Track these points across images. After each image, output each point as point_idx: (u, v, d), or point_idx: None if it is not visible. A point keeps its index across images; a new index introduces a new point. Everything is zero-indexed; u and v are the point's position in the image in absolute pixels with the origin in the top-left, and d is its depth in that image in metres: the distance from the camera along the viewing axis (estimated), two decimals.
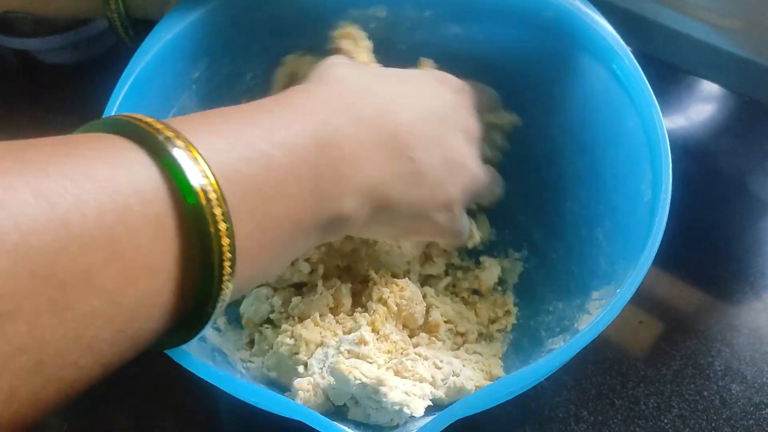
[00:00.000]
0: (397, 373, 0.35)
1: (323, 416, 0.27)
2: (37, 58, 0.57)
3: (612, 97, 0.38)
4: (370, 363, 0.35)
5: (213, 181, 0.22)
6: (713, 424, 0.41)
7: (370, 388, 0.33)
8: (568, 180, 0.43)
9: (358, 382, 0.33)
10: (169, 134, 0.22)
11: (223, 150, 0.24)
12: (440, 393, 0.36)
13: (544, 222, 0.45)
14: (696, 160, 0.53)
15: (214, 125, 0.25)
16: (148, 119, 0.23)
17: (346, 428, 0.27)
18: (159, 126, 0.23)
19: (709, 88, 0.58)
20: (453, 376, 0.36)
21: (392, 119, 0.32)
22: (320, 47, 0.43)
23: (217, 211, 0.22)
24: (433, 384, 0.35)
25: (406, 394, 0.33)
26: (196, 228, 0.22)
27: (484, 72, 0.43)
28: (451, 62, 0.43)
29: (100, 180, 0.20)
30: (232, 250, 0.23)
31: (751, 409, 0.41)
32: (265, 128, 0.26)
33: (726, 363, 0.43)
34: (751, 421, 0.41)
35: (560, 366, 0.31)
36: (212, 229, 0.22)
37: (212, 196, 0.22)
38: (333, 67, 0.34)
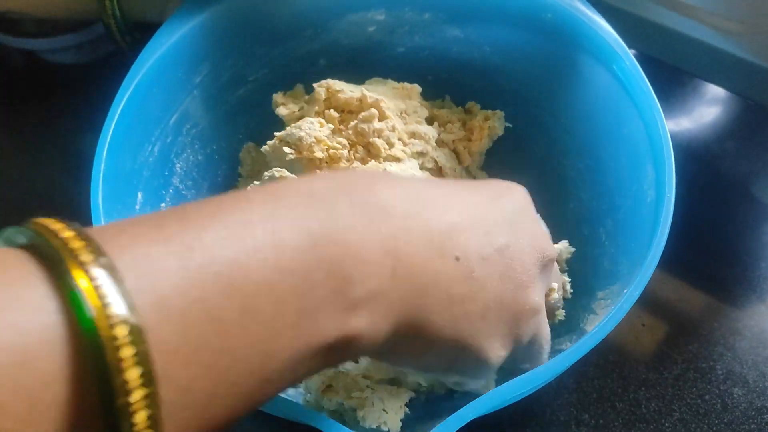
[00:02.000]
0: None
1: (330, 419, 0.27)
2: (41, 58, 0.58)
3: (613, 98, 0.38)
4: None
5: (128, 314, 0.16)
6: (714, 428, 0.41)
7: (348, 407, 0.33)
8: (570, 181, 0.43)
9: (333, 406, 0.33)
10: (85, 256, 0.17)
11: (160, 268, 0.18)
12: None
13: (546, 222, 0.45)
14: (700, 163, 0.53)
15: (154, 234, 0.19)
16: (67, 233, 0.18)
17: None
18: (76, 244, 0.17)
19: (714, 91, 0.57)
20: None
21: (430, 213, 0.24)
22: (320, 51, 0.44)
23: (127, 353, 0.16)
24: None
25: (384, 411, 0.33)
26: (98, 376, 0.16)
27: (483, 75, 0.44)
28: (451, 65, 0.43)
29: None
30: (153, 405, 0.17)
31: (753, 413, 0.41)
32: (229, 230, 0.20)
33: (728, 367, 0.43)
34: (752, 426, 0.41)
35: (569, 366, 0.30)
36: (117, 380, 0.16)
37: (121, 332, 0.16)
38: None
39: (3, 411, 0.15)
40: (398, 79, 0.41)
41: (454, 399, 0.38)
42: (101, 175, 0.33)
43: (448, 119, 0.43)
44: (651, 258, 0.31)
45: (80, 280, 0.16)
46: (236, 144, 0.45)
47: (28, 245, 0.18)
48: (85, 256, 0.17)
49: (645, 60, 0.36)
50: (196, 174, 0.42)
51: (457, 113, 0.44)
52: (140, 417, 0.16)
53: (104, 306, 0.16)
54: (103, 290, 0.16)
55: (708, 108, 0.57)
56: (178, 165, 0.41)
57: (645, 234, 0.33)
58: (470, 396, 0.38)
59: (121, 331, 0.16)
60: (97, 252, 0.17)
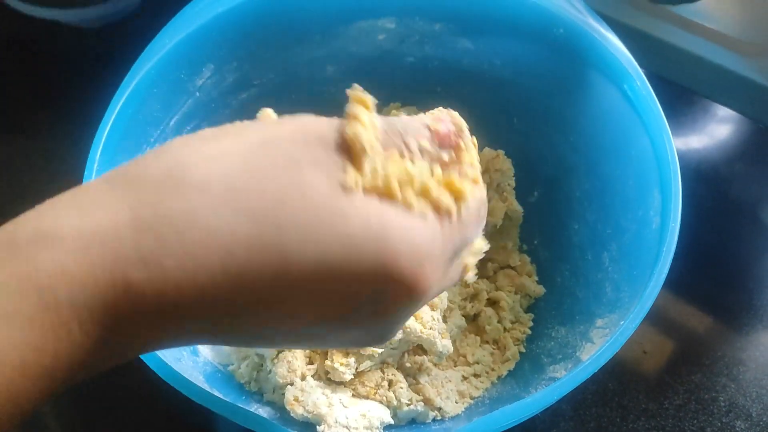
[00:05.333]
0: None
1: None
2: (60, 23, 0.56)
3: (622, 119, 0.37)
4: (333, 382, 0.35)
5: None
6: None
7: (312, 420, 0.34)
8: (576, 201, 0.42)
9: (301, 415, 0.34)
10: None
11: None
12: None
13: (550, 243, 0.44)
14: (708, 184, 0.52)
15: None
16: None
17: None
18: None
19: (724, 113, 0.57)
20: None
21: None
22: (327, 58, 0.43)
23: None
24: (398, 406, 0.36)
25: (347, 428, 0.33)
26: None
27: (493, 88, 0.43)
28: (460, 77, 0.42)
29: None
30: None
31: None
32: None
33: (731, 399, 0.42)
34: None
35: (561, 397, 0.30)
36: None
37: None
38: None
39: None
40: (407, 90, 0.40)
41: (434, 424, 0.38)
42: (94, 175, 0.32)
43: None
44: (650, 291, 0.31)
45: None
46: None
47: None
48: None
49: (653, 79, 0.36)
50: None
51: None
52: None
53: None
54: None
55: (717, 129, 0.56)
56: None
57: (648, 262, 0.33)
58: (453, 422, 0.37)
59: None
60: None
